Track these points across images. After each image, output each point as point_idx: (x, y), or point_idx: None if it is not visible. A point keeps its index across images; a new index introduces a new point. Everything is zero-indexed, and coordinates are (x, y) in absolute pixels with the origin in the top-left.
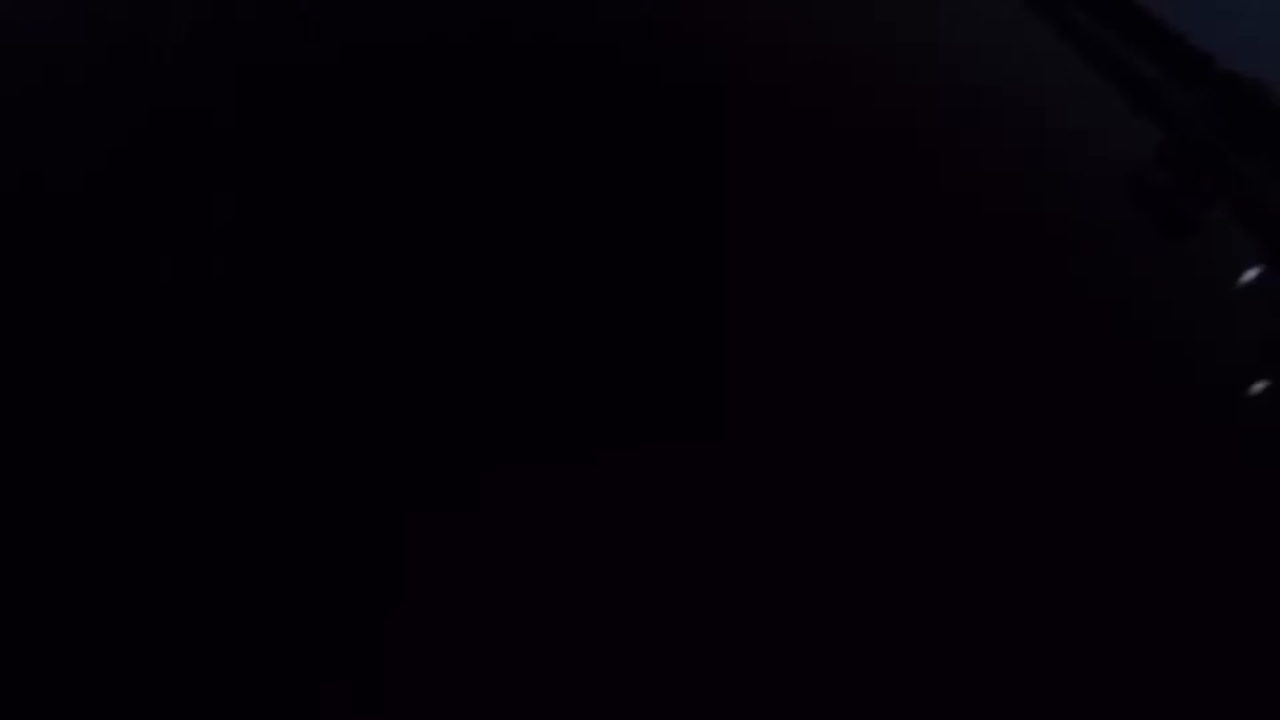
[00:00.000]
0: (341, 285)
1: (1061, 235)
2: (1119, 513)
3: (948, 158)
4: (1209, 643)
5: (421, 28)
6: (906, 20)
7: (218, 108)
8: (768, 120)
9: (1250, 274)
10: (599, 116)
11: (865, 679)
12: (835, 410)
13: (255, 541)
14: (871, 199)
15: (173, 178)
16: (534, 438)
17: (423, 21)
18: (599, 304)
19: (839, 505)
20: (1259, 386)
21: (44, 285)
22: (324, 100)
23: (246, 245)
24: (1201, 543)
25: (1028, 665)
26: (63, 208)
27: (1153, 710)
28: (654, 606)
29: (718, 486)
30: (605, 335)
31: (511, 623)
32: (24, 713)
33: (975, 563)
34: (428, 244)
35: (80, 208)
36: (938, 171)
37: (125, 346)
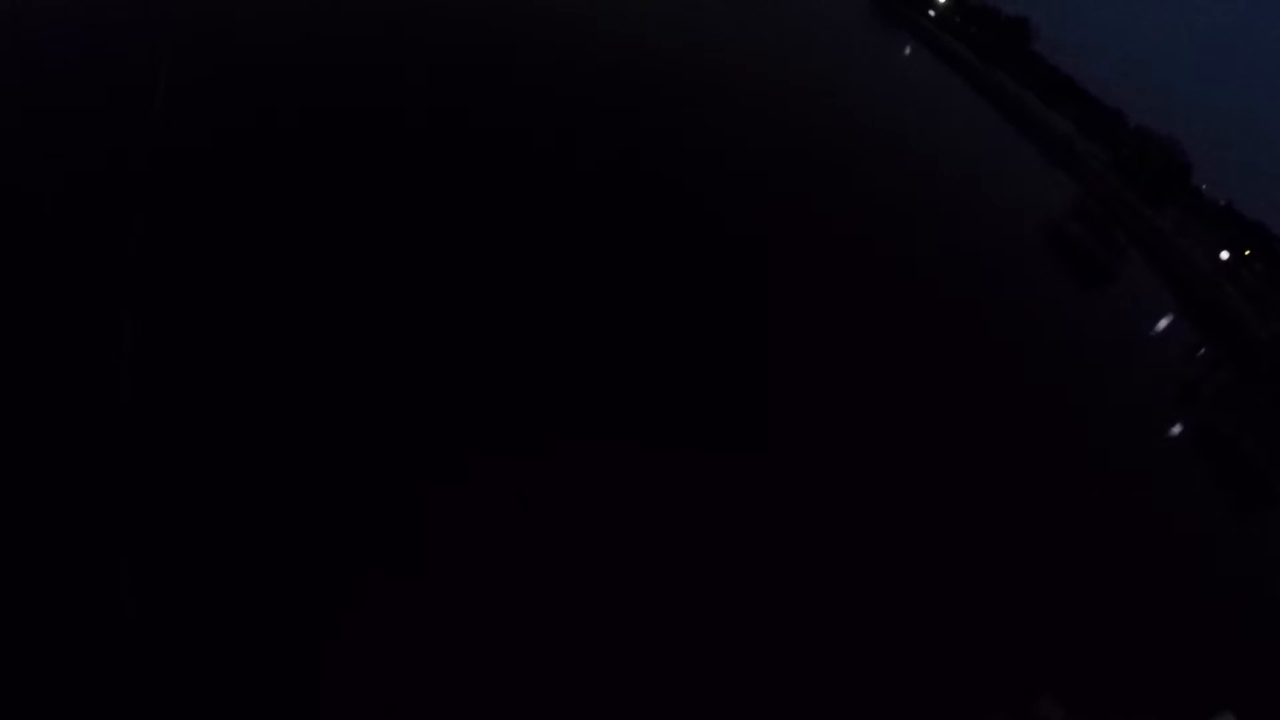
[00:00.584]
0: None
1: (980, 284)
2: (1028, 552)
3: (867, 210)
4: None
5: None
6: (828, 75)
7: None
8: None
9: (1163, 322)
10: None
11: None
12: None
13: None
14: (796, 246)
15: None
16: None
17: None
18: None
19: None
20: (1175, 430)
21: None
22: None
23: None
24: (1112, 582)
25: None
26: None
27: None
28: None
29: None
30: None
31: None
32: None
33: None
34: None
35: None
36: (857, 223)
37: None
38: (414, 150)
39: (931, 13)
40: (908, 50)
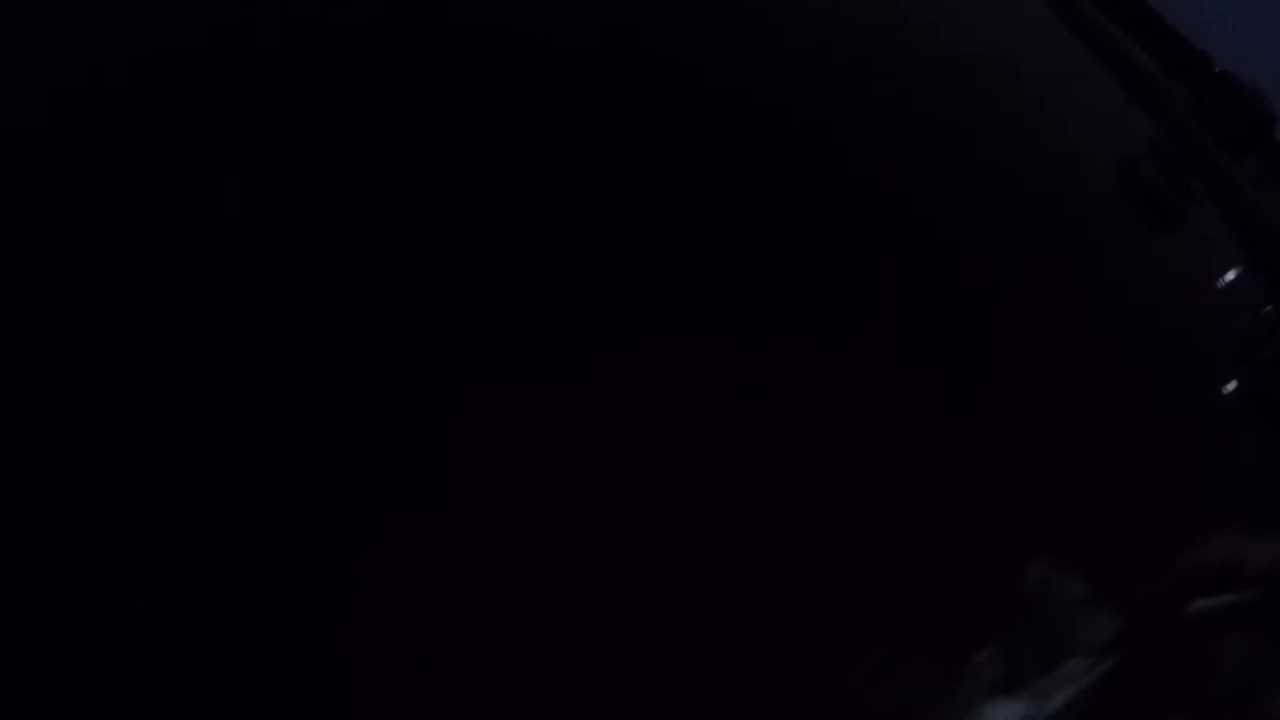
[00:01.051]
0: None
1: (1048, 220)
2: (1071, 505)
3: (944, 133)
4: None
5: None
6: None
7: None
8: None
9: (1229, 275)
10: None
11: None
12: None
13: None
14: (864, 175)
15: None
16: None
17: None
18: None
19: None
20: (1230, 385)
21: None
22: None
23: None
24: (1156, 540)
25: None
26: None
27: None
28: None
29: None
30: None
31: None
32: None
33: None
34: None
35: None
36: (932, 148)
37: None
38: None
39: None
40: None
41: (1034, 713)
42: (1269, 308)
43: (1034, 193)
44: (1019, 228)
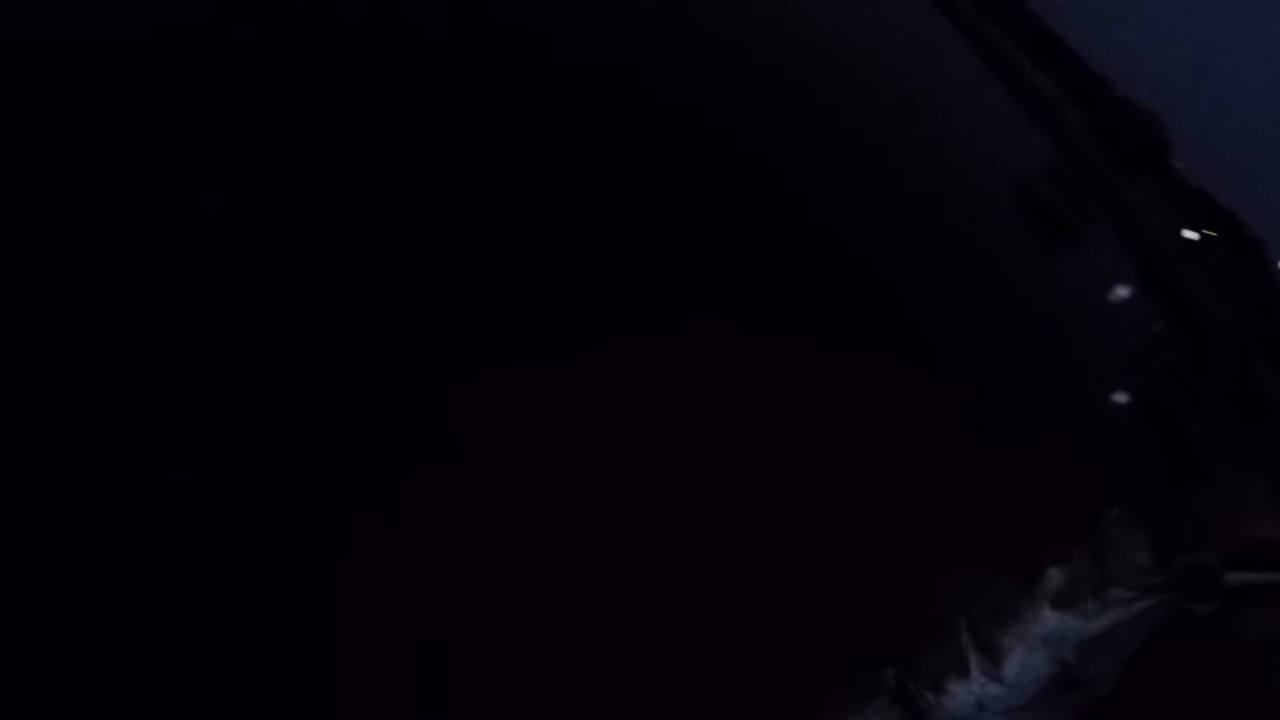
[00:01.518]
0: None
1: (939, 236)
2: (952, 525)
3: (834, 146)
4: None
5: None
6: (810, 11)
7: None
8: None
9: (1120, 291)
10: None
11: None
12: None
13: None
14: (753, 189)
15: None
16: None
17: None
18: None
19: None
20: (1118, 398)
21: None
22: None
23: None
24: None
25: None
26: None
27: None
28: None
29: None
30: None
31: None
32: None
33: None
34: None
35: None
36: (822, 159)
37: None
38: None
39: None
40: None
41: (1079, 629)
42: (1159, 323)
43: (932, 208)
44: (917, 245)
